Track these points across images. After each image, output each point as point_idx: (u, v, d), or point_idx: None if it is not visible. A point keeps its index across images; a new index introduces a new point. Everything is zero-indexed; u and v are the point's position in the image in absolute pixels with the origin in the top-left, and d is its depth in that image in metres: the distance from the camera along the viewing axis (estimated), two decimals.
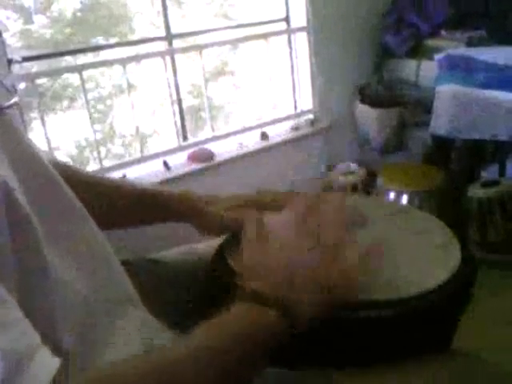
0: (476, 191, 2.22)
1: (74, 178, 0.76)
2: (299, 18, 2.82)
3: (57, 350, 0.48)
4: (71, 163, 3.08)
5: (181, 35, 2.65)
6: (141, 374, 0.49)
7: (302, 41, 2.85)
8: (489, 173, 2.42)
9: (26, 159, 0.63)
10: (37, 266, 0.54)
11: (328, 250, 0.67)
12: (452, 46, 2.50)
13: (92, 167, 2.42)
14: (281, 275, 0.64)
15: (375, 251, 0.70)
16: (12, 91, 0.66)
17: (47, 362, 0.44)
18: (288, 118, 2.93)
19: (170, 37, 2.50)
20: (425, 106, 2.52)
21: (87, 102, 2.29)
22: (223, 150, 2.63)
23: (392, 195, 2.34)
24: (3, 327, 0.44)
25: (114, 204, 0.88)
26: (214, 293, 0.83)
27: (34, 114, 2.36)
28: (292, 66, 2.95)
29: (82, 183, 0.78)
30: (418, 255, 0.78)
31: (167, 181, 2.38)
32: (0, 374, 0.40)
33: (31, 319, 0.47)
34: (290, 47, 2.92)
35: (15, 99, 0.63)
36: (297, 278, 0.64)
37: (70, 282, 0.60)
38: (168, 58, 2.46)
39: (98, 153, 2.34)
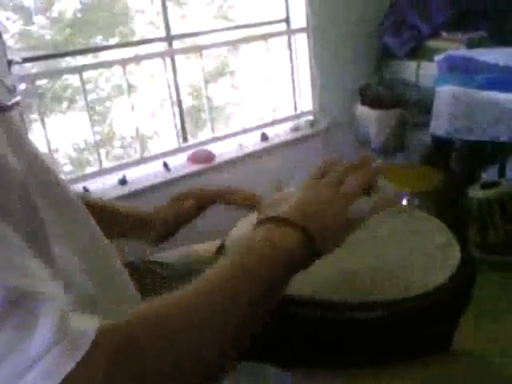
0: (476, 192, 2.22)
1: None
2: (299, 19, 2.82)
3: None
4: (70, 165, 3.09)
5: (181, 36, 2.65)
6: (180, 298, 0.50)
7: (302, 42, 2.85)
8: (489, 174, 2.42)
9: (29, 158, 0.63)
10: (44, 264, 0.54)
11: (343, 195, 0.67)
12: (452, 47, 2.50)
13: (92, 169, 2.41)
14: (300, 205, 0.64)
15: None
16: (13, 91, 0.66)
17: (88, 318, 0.43)
18: (288, 119, 2.93)
19: (169, 38, 2.50)
20: (425, 107, 2.52)
21: (87, 103, 2.29)
22: (223, 151, 2.63)
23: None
24: (47, 281, 0.44)
25: None
26: None
27: (34, 116, 2.36)
28: (292, 67, 2.95)
29: None
30: (418, 256, 0.78)
31: (167, 182, 2.38)
32: (48, 335, 0.39)
33: None
34: (290, 48, 2.92)
35: (17, 98, 0.64)
36: (315, 208, 0.64)
37: (74, 281, 0.60)
38: (168, 59, 2.46)
39: (98, 154, 2.34)
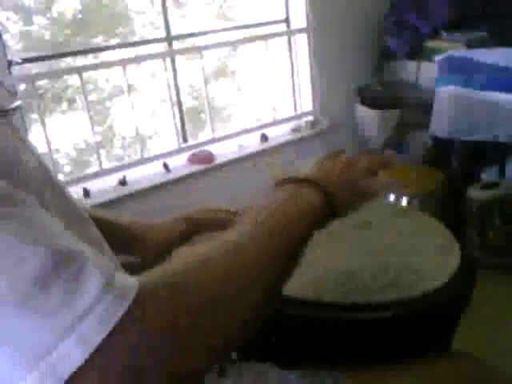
0: (475, 193, 2.22)
1: None
2: (299, 19, 2.82)
3: None
4: (70, 165, 3.08)
5: (181, 37, 2.65)
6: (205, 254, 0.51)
7: (302, 42, 2.85)
8: (488, 175, 2.42)
9: (28, 162, 0.63)
10: None
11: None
12: (452, 48, 2.50)
13: (92, 169, 2.41)
14: (318, 172, 0.68)
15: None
16: (14, 94, 0.66)
17: (129, 280, 0.45)
18: (288, 119, 2.93)
19: (169, 38, 2.50)
20: (425, 108, 2.52)
21: (87, 103, 2.29)
22: (223, 151, 2.63)
23: (392, 197, 2.34)
24: (89, 249, 0.46)
25: None
26: None
27: (34, 116, 2.36)
28: (292, 68, 2.95)
29: None
30: (418, 257, 0.78)
31: (167, 183, 2.39)
32: (97, 288, 0.41)
33: None
34: (290, 49, 2.92)
35: (18, 102, 0.64)
36: (333, 174, 0.68)
37: None
38: (168, 60, 2.46)
39: (98, 155, 2.34)
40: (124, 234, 0.94)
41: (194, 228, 0.97)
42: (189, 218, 0.97)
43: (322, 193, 0.63)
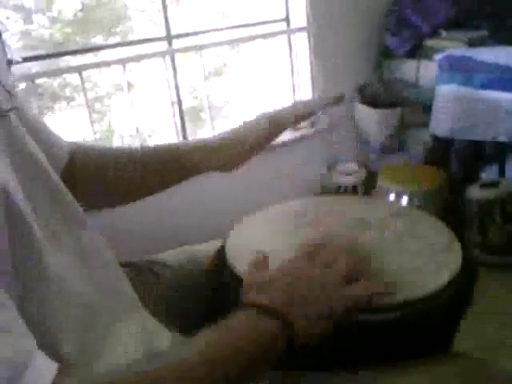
0: (475, 192, 2.22)
1: (88, 158, 0.82)
2: (299, 18, 2.82)
3: (56, 354, 0.48)
4: None
5: (181, 35, 2.64)
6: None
7: (301, 41, 2.85)
8: (488, 174, 2.42)
9: (28, 163, 0.63)
10: (37, 272, 0.54)
11: (335, 276, 0.68)
12: (452, 47, 2.49)
13: None
14: (285, 292, 0.64)
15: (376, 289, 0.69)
16: (14, 94, 0.66)
17: (44, 368, 0.43)
18: None
19: (169, 37, 2.49)
20: (425, 107, 2.52)
21: (87, 102, 2.28)
22: None
23: (392, 196, 2.34)
24: None
25: (134, 170, 0.90)
26: (214, 293, 0.84)
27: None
28: (292, 67, 2.95)
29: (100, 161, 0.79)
30: (418, 257, 0.78)
31: None
32: None
33: (30, 325, 0.47)
34: (290, 47, 2.91)
35: (16, 104, 0.64)
36: (299, 297, 0.64)
37: (71, 287, 0.59)
38: (168, 59, 2.46)
39: None
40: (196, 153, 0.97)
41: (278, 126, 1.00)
42: (272, 117, 0.99)
43: (285, 327, 0.59)
